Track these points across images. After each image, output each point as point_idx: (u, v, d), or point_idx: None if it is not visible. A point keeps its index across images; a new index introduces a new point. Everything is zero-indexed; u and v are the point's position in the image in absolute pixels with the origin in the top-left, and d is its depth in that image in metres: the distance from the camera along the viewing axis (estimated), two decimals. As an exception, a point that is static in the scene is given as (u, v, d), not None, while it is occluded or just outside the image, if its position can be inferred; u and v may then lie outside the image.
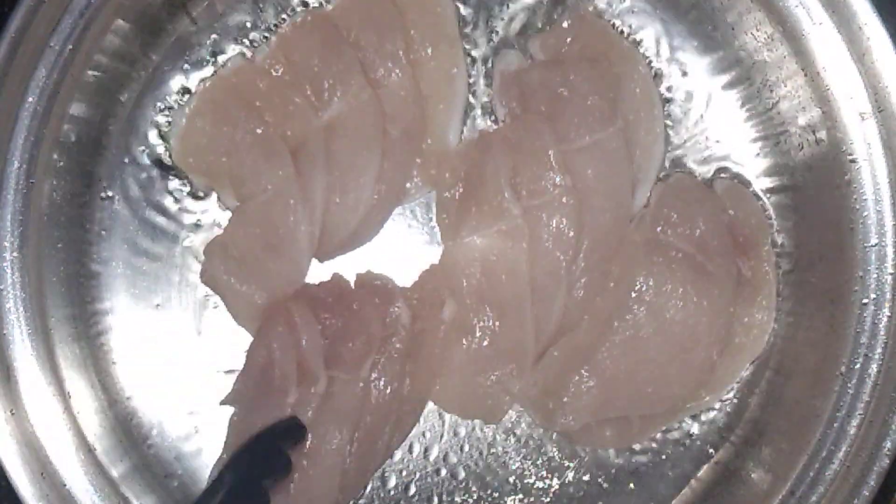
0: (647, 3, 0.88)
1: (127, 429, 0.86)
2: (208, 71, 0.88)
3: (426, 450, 0.87)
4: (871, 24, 0.78)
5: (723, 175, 0.88)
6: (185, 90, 0.88)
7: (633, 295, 0.83)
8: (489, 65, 0.88)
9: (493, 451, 0.87)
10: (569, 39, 0.87)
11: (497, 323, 0.84)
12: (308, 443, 0.80)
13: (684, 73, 0.88)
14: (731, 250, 0.85)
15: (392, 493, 0.87)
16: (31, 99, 0.79)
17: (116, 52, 0.85)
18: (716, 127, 0.88)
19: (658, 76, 0.88)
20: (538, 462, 0.87)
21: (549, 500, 0.87)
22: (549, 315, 0.84)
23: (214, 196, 0.87)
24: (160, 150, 0.88)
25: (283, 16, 0.88)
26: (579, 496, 0.87)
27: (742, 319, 0.85)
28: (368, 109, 0.84)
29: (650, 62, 0.88)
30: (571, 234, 0.83)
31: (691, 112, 0.88)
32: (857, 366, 0.78)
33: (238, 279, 0.84)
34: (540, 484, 0.87)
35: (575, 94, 0.84)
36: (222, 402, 0.83)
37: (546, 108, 0.85)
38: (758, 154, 0.87)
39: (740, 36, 0.86)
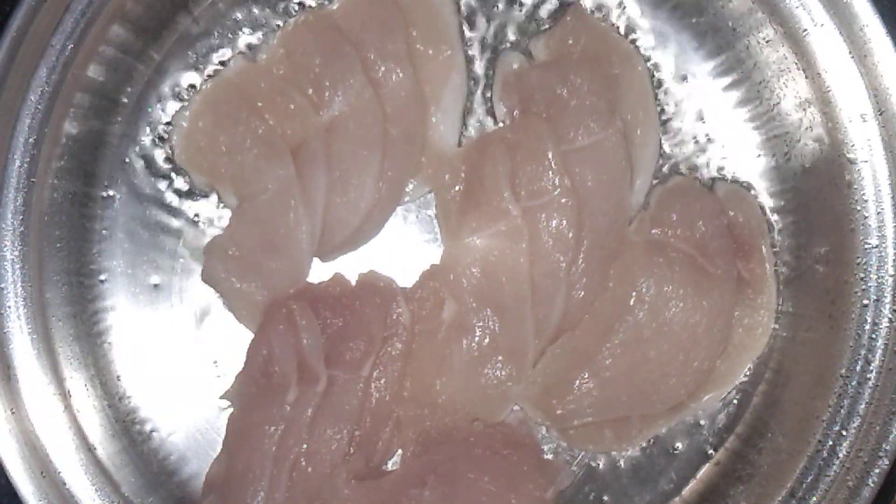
0: (647, 5, 0.88)
1: (127, 428, 0.86)
2: (210, 70, 0.88)
3: (426, 450, 0.87)
4: (872, 25, 0.78)
5: (723, 177, 0.88)
6: (187, 90, 0.88)
7: (634, 296, 0.83)
8: (490, 65, 0.88)
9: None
10: (569, 41, 0.87)
11: (497, 323, 0.84)
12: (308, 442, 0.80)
13: (684, 75, 0.88)
14: (732, 252, 0.85)
15: (392, 492, 0.87)
16: (32, 98, 0.79)
17: (118, 51, 0.85)
18: (716, 129, 0.88)
19: (658, 78, 0.88)
20: (538, 462, 0.87)
21: (548, 500, 0.87)
22: (549, 315, 0.84)
23: (215, 195, 0.87)
24: (162, 149, 0.88)
25: (286, 16, 0.88)
26: (578, 496, 0.86)
27: (742, 320, 0.85)
28: (369, 109, 0.84)
29: (650, 64, 0.88)
30: (571, 234, 0.83)
31: (691, 114, 0.88)
32: (858, 367, 0.78)
33: (238, 278, 0.84)
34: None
35: (574, 95, 0.84)
36: (221, 397, 0.84)
37: (546, 109, 0.85)
38: (758, 155, 0.87)
39: (741, 37, 0.86)
